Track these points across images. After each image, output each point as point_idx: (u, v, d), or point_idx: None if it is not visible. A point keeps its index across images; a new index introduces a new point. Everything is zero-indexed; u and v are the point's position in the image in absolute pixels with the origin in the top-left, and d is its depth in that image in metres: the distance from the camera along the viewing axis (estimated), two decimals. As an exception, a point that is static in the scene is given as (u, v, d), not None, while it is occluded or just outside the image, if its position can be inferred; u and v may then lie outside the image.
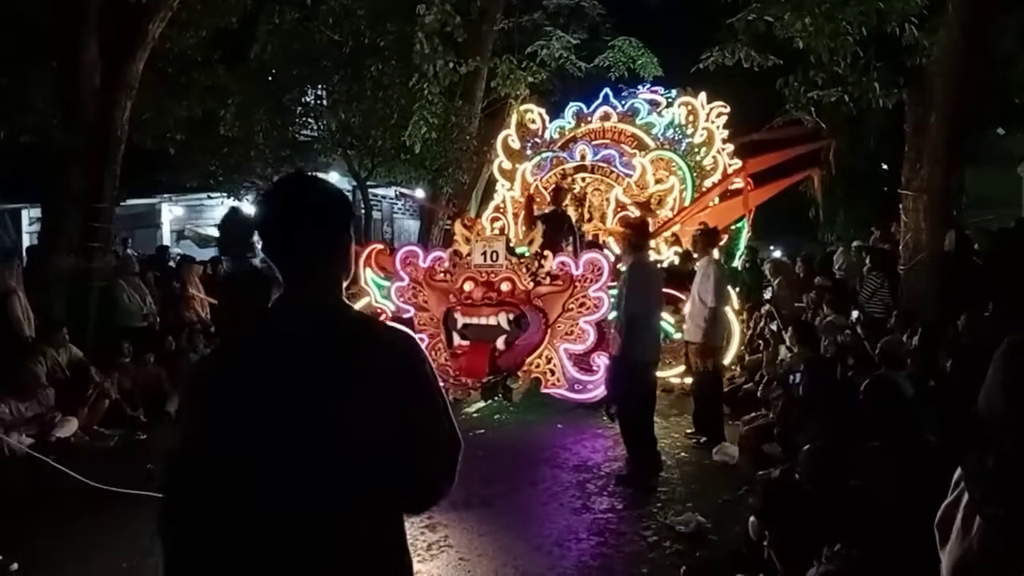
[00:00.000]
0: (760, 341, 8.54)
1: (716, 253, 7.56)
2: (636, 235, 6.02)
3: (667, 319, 7.84)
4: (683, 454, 6.44)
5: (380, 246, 9.22)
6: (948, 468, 3.73)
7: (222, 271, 11.63)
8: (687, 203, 9.84)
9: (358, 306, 8.47)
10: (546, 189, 9.82)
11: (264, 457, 1.53)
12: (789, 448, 5.22)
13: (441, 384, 1.78)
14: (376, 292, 8.48)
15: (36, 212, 17.47)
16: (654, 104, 11.32)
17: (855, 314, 7.63)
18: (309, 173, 2.05)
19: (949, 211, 8.37)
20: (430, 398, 1.66)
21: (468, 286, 7.78)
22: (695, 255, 7.64)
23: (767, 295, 9.87)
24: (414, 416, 1.61)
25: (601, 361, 7.18)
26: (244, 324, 1.85)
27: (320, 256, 1.65)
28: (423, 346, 1.76)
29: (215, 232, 18.74)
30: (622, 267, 6.49)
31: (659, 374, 7.67)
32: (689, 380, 7.96)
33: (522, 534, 4.80)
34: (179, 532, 1.59)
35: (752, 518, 3.90)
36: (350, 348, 1.60)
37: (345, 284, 1.71)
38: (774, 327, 7.84)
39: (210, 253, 14.65)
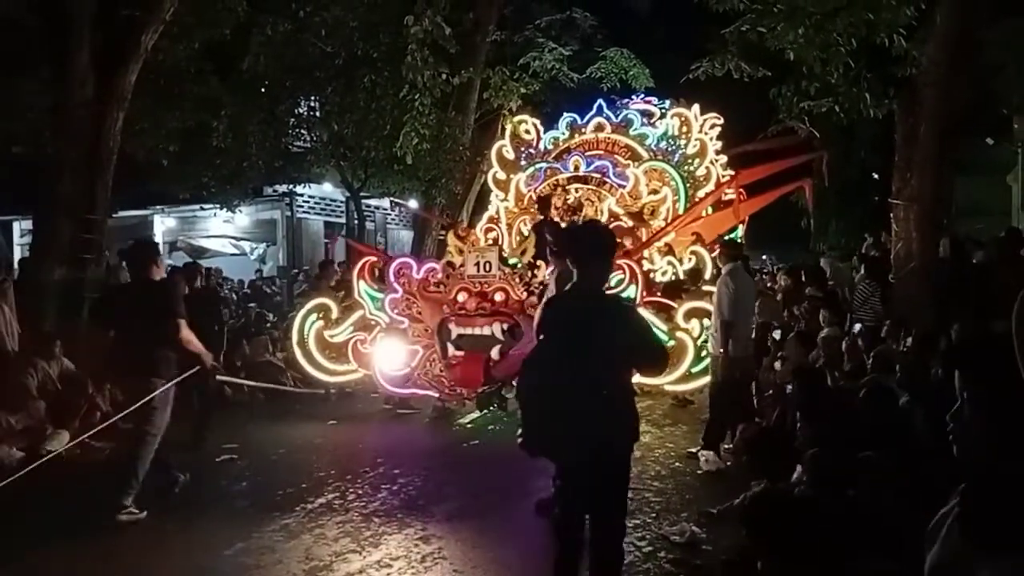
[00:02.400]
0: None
1: (724, 266, 7.40)
2: (558, 241, 5.53)
3: (660, 326, 7.85)
4: (677, 464, 6.43)
5: (373, 258, 9.19)
6: (941, 476, 3.73)
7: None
8: (680, 213, 9.87)
9: (353, 318, 8.52)
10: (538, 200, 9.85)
11: (572, 345, 3.39)
12: (782, 458, 5.22)
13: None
14: (370, 304, 8.45)
15: (28, 224, 17.41)
16: (647, 115, 11.38)
17: (857, 326, 7.64)
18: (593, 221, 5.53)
19: (939, 220, 8.41)
20: (644, 328, 3.63)
21: (462, 296, 7.78)
22: (720, 265, 7.58)
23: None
24: (637, 335, 3.46)
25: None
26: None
27: (601, 265, 3.58)
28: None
29: (208, 243, 18.73)
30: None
31: (653, 381, 7.67)
32: (682, 388, 7.98)
33: (516, 545, 4.78)
34: (530, 379, 3.58)
35: (743, 531, 3.89)
36: (608, 305, 3.61)
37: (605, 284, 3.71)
38: (776, 336, 7.87)
39: (203, 264, 14.60)
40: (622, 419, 3.42)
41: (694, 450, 6.66)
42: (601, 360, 3.34)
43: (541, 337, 3.68)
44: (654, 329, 3.69)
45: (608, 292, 3.73)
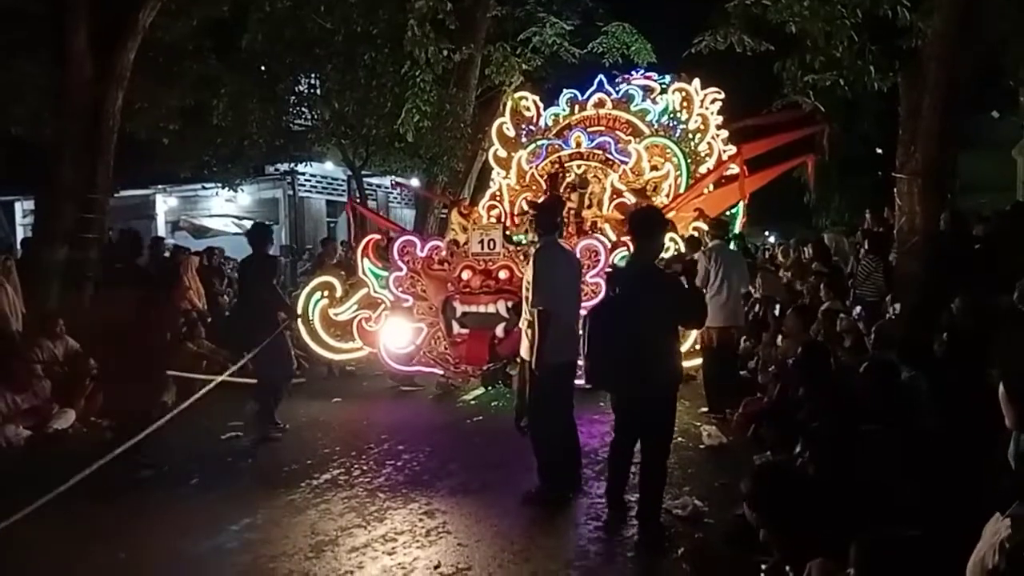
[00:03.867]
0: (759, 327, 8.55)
1: (709, 243, 7.78)
2: (542, 215, 5.38)
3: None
4: (679, 439, 6.44)
5: (377, 236, 9.21)
6: (946, 451, 3.74)
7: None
8: (682, 190, 9.83)
9: (357, 296, 8.55)
10: (541, 177, 9.81)
11: (630, 308, 4.37)
12: (784, 432, 5.24)
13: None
14: (374, 282, 8.46)
15: (30, 204, 17.41)
16: (648, 90, 11.28)
17: (858, 308, 7.66)
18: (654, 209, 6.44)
19: (943, 194, 8.36)
20: (686, 293, 4.59)
21: (466, 275, 7.79)
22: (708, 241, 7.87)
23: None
24: (679, 297, 4.50)
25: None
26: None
27: (654, 241, 4.58)
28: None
29: (210, 223, 18.71)
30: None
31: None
32: (685, 364, 8.04)
33: (520, 519, 4.83)
34: (594, 327, 4.53)
35: (745, 504, 3.91)
36: (658, 276, 4.60)
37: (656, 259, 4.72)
38: (776, 312, 7.88)
39: (205, 244, 14.62)
40: (666, 361, 4.45)
41: (704, 409, 7.20)
42: (651, 317, 4.32)
43: (606, 295, 4.90)
44: (695, 291, 4.85)
45: (658, 267, 4.74)
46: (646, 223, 4.63)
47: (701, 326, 5.67)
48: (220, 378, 6.74)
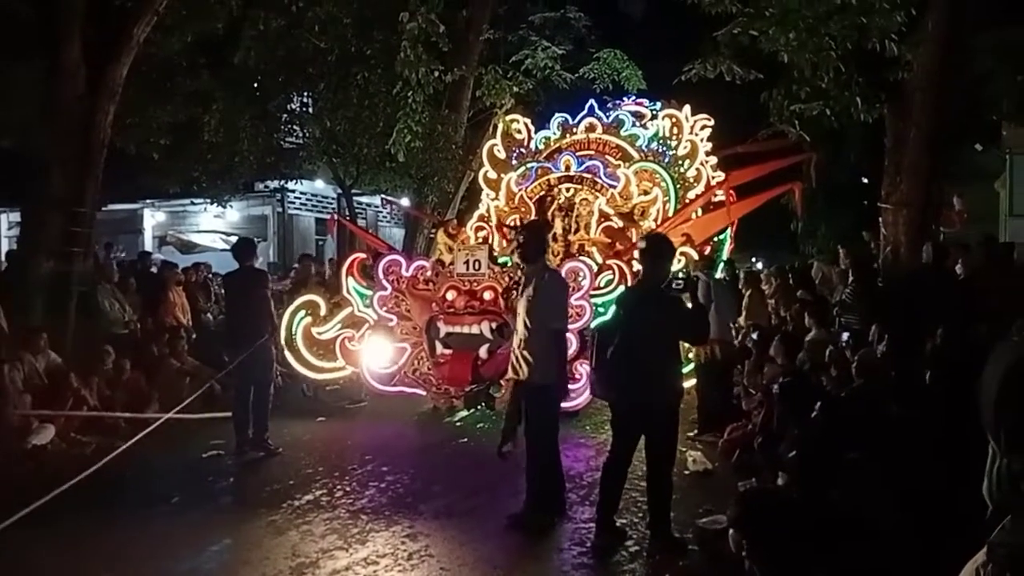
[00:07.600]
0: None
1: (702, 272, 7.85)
2: (531, 238, 5.24)
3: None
4: (665, 464, 6.45)
5: (362, 255, 9.17)
6: (930, 481, 3.76)
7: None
8: (670, 214, 9.89)
9: (341, 315, 8.50)
10: (531, 199, 9.86)
11: (637, 326, 4.63)
12: (769, 459, 5.25)
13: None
14: (359, 301, 8.43)
15: (16, 216, 17.28)
16: (639, 116, 11.39)
17: (845, 336, 7.71)
18: (664, 236, 5.61)
19: (928, 225, 8.47)
20: (689, 311, 4.83)
21: (451, 295, 7.78)
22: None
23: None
24: (684, 318, 4.75)
25: (584, 369, 7.18)
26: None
27: (660, 266, 4.76)
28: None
29: (198, 238, 18.66)
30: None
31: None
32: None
33: (503, 544, 4.80)
34: (602, 342, 4.71)
35: (731, 530, 3.90)
36: (664, 298, 4.69)
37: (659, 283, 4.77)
38: (755, 337, 7.91)
39: (192, 259, 14.55)
40: (669, 376, 4.74)
41: (691, 434, 7.15)
42: (655, 335, 4.60)
43: (614, 313, 5.11)
44: (701, 311, 5.19)
45: (664, 288, 4.83)
46: (651, 248, 4.88)
47: (703, 342, 6.03)
48: (169, 415, 6.83)
